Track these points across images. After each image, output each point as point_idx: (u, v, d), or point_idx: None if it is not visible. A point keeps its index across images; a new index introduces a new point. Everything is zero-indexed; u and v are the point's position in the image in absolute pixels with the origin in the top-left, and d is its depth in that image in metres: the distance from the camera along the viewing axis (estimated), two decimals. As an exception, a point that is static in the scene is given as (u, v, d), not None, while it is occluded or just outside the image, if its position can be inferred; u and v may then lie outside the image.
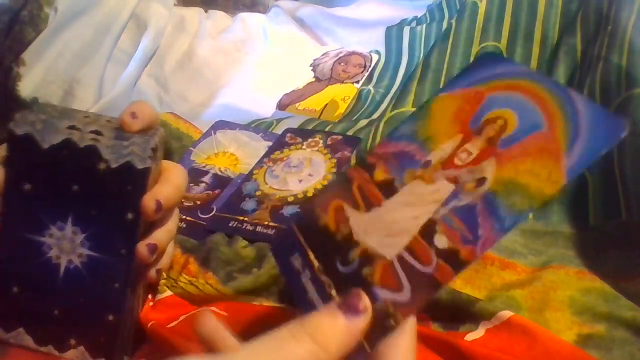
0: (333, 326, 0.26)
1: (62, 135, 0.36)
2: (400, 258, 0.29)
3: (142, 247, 0.38)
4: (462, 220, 0.28)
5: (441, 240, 0.28)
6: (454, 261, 0.27)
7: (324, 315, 0.27)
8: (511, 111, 0.30)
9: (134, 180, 0.36)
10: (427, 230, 0.29)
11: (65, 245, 0.37)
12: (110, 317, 0.38)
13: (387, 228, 0.31)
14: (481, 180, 0.29)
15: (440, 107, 0.34)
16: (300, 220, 0.37)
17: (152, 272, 0.41)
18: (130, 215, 0.37)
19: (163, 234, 0.39)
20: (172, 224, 0.41)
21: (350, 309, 0.27)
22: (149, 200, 0.37)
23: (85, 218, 0.37)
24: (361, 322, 0.27)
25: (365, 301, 0.27)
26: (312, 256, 0.34)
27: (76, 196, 0.37)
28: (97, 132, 0.36)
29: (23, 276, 0.38)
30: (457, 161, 0.31)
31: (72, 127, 0.36)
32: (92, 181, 0.36)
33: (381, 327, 0.28)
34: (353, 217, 0.33)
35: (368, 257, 0.30)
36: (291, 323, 0.26)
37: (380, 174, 0.34)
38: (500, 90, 0.32)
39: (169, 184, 0.39)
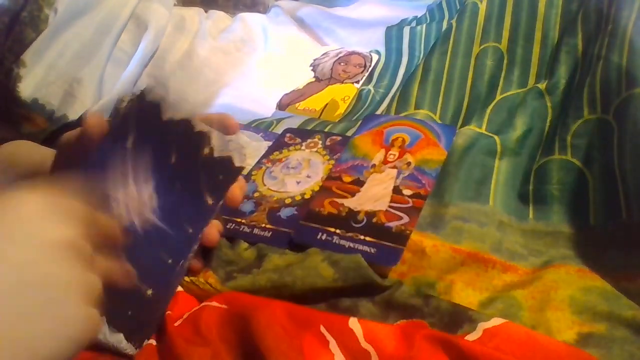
0: None
1: (184, 114, 0.39)
2: (391, 206, 0.51)
3: (213, 228, 0.43)
4: (411, 180, 0.54)
5: (406, 191, 0.52)
6: (419, 196, 0.52)
7: None
8: (403, 133, 0.59)
9: (228, 173, 0.40)
10: (397, 190, 0.53)
11: (135, 205, 0.37)
12: (149, 292, 0.37)
13: (373, 198, 0.52)
14: (409, 163, 0.55)
15: (360, 142, 0.60)
16: (304, 218, 0.52)
17: (196, 262, 0.45)
18: (210, 201, 0.39)
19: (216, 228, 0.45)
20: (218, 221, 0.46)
21: None
22: (238, 193, 0.42)
23: (167, 189, 0.38)
24: None
25: None
26: (331, 229, 0.50)
27: (169, 167, 0.38)
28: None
29: None
30: (390, 159, 0.56)
31: None
32: (191, 160, 0.39)
33: (401, 238, 0.47)
34: (345, 201, 0.53)
35: (371, 213, 0.51)
36: None
37: (347, 178, 0.56)
38: (391, 126, 0.61)
39: (241, 182, 0.45)
